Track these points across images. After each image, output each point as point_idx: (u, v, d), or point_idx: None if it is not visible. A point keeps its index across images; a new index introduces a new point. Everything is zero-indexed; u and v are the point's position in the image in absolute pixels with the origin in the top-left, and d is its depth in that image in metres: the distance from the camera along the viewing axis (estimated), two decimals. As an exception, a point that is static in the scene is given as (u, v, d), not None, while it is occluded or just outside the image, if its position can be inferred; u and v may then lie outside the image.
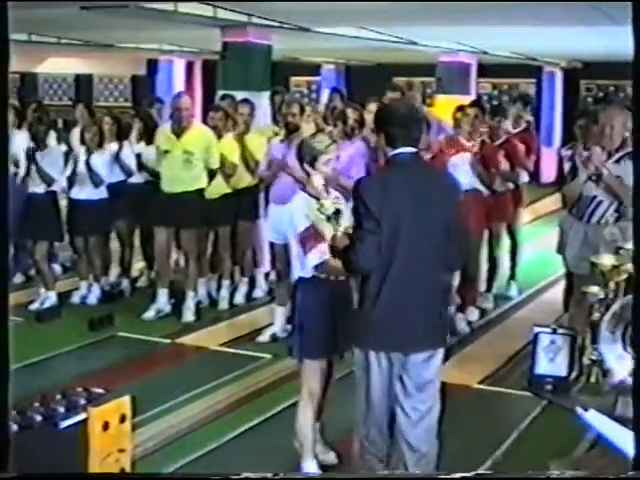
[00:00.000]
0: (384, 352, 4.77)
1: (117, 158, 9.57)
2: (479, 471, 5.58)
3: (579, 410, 3.10)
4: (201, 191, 9.05)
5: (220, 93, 11.19)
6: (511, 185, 9.56)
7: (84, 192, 9.44)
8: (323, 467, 5.65)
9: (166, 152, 9.00)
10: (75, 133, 10.99)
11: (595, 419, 3.04)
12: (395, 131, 4.78)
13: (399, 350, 4.77)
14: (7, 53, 3.02)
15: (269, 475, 2.80)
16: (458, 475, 2.95)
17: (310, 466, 5.58)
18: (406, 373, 4.81)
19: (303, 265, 5.28)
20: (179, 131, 8.95)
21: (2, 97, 3.09)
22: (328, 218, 5.08)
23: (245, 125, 9.48)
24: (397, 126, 4.78)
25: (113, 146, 9.66)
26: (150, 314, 9.18)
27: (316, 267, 5.26)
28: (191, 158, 8.89)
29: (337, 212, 5.08)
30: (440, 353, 4.93)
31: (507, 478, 2.79)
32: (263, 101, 11.28)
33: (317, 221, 5.23)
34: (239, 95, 10.30)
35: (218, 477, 2.70)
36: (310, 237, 5.24)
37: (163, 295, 9.28)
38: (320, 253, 5.19)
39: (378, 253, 4.61)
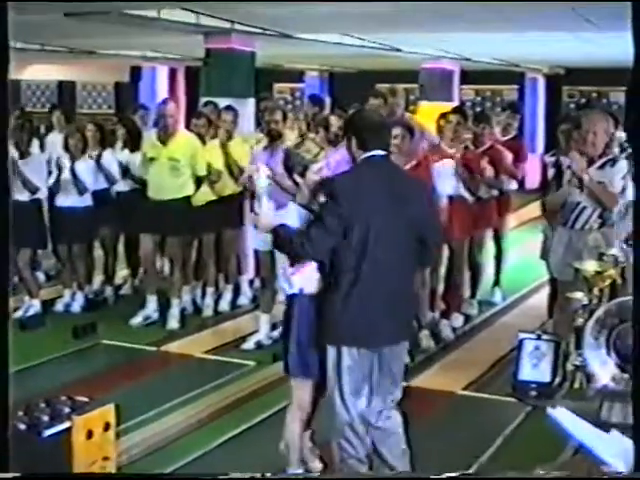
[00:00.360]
0: (357, 347, 4.92)
1: (99, 165, 9.55)
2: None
3: (548, 409, 3.09)
4: (188, 198, 9.03)
5: (203, 100, 11.19)
6: (495, 192, 9.56)
7: (68, 199, 9.41)
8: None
9: (152, 159, 8.97)
10: (52, 139, 10.98)
11: (564, 417, 3.02)
12: (367, 135, 5.00)
13: (372, 345, 4.97)
14: (7, 58, 3.02)
15: (257, 475, 2.80)
16: (457, 474, 2.94)
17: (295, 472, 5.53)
18: (378, 366, 5.01)
19: (291, 285, 5.17)
20: (165, 138, 8.93)
21: (1, 101, 3.08)
22: None
23: (228, 132, 9.46)
24: (369, 130, 5.03)
25: (95, 154, 9.64)
26: (137, 320, 9.16)
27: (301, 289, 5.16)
28: (177, 165, 8.87)
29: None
30: (406, 345, 5.28)
31: (498, 478, 2.79)
32: (247, 108, 11.29)
33: None
34: (222, 102, 10.28)
35: (208, 477, 2.70)
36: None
37: (152, 302, 9.25)
38: (307, 274, 5.12)
39: (329, 245, 4.83)
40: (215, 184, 9.25)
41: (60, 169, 9.39)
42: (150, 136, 9.19)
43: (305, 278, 5.06)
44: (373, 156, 4.98)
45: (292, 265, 5.09)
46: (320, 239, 4.85)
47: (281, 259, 5.28)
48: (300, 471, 5.51)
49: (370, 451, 5.17)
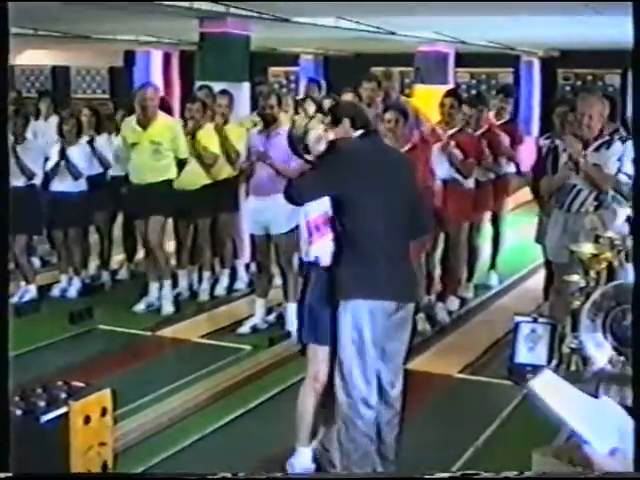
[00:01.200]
0: (376, 300, 5.05)
1: (93, 150, 9.53)
2: (462, 459, 5.61)
3: (529, 385, 3.04)
4: (170, 181, 8.97)
5: (198, 84, 11.16)
6: (492, 175, 9.54)
7: (63, 184, 9.39)
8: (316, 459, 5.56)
9: (134, 145, 8.93)
10: (40, 126, 10.94)
11: (546, 392, 2.96)
12: (359, 116, 5.33)
13: (392, 298, 5.13)
14: (6, 46, 3.00)
15: (242, 475, 2.79)
16: (458, 474, 2.94)
17: (303, 452, 5.40)
18: (386, 335, 5.12)
19: (307, 254, 5.26)
20: (145, 122, 8.88)
21: (1, 90, 3.06)
22: None
23: (224, 116, 9.44)
24: (359, 112, 5.43)
25: (89, 137, 9.63)
26: (140, 307, 9.14)
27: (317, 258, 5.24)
28: (160, 148, 8.82)
29: None
30: (411, 315, 5.41)
31: (498, 478, 2.77)
32: (242, 92, 11.25)
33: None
34: (217, 86, 10.26)
35: (195, 477, 2.69)
36: (319, 225, 5.23)
37: (155, 289, 9.20)
38: (324, 244, 5.21)
39: (310, 197, 5.09)
40: (211, 167, 9.22)
41: (58, 154, 9.36)
42: (129, 121, 9.11)
43: (321, 248, 5.16)
44: (367, 131, 5.28)
45: (310, 236, 5.20)
46: (309, 185, 5.16)
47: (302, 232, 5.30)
48: (308, 451, 5.42)
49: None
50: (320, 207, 5.19)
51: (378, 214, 5.07)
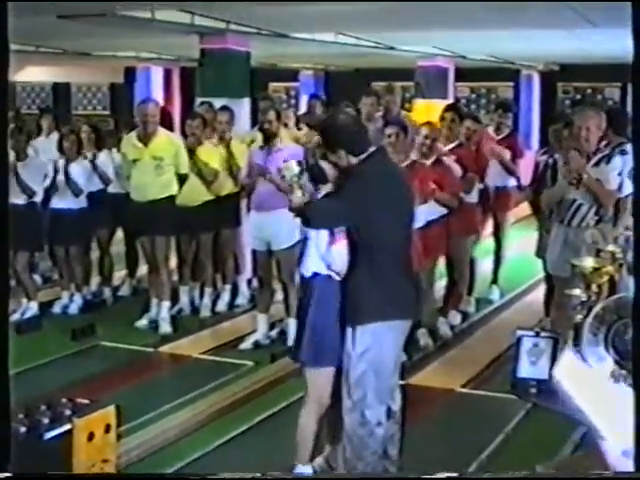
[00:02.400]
0: (397, 320, 5.10)
1: (94, 167, 9.56)
2: (465, 474, 5.60)
3: (554, 372, 3.00)
4: (172, 198, 8.98)
5: (199, 100, 11.18)
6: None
7: (63, 202, 9.40)
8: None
9: (135, 161, 8.91)
10: (41, 143, 10.94)
11: (566, 377, 2.94)
12: (355, 143, 5.18)
13: (409, 316, 5.26)
14: (6, 60, 3.02)
15: (258, 475, 2.81)
16: (457, 475, 2.95)
17: (303, 470, 5.33)
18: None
19: (325, 257, 5.07)
20: (146, 138, 8.87)
21: (1, 97, 3.08)
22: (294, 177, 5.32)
23: (224, 132, 9.45)
24: (354, 139, 5.19)
25: (91, 155, 9.65)
26: (143, 322, 9.13)
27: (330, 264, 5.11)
28: (162, 164, 8.81)
29: (301, 173, 5.33)
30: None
31: (498, 478, 2.79)
32: (242, 108, 11.28)
33: None
34: (218, 102, 10.28)
35: (209, 477, 2.70)
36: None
37: (156, 305, 9.20)
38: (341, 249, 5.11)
39: (334, 224, 4.98)
40: (211, 184, 9.23)
41: (55, 171, 9.37)
42: (130, 137, 9.10)
43: (339, 251, 5.03)
44: (377, 150, 5.28)
45: (332, 235, 5.07)
46: (331, 216, 5.07)
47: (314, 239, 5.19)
48: (308, 470, 5.36)
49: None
50: None
51: (393, 232, 5.11)
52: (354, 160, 5.12)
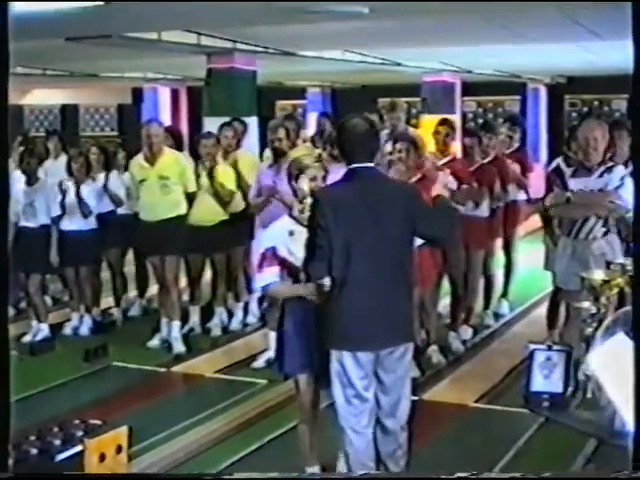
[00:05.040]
0: (353, 351, 5.00)
1: (105, 188, 9.60)
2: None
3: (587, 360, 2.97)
4: (182, 217, 9.00)
5: (206, 119, 11.21)
6: (501, 203, 9.51)
7: (74, 223, 9.42)
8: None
9: (142, 181, 8.94)
10: (49, 165, 10.97)
11: (600, 370, 2.93)
12: (349, 147, 5.09)
13: (368, 348, 5.02)
14: (6, 60, 3.03)
15: (242, 475, 2.81)
16: (455, 476, 2.96)
17: (311, 470, 5.55)
18: (382, 370, 5.09)
19: (253, 282, 5.40)
20: (152, 159, 8.89)
21: (2, 101, 3.08)
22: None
23: (228, 148, 9.48)
24: (350, 142, 5.08)
25: (101, 176, 9.69)
26: (154, 342, 9.14)
27: (263, 288, 5.60)
28: (168, 183, 8.83)
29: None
30: (410, 350, 5.20)
31: (498, 479, 2.79)
32: (250, 126, 11.30)
33: (284, 245, 5.38)
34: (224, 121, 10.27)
35: (209, 477, 2.70)
36: (269, 258, 5.38)
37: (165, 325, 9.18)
38: (270, 275, 5.41)
39: (327, 261, 4.92)
40: (228, 205, 9.23)
41: (64, 193, 9.40)
42: (137, 159, 9.13)
43: (268, 278, 5.42)
44: (358, 168, 5.02)
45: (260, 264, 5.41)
46: (317, 262, 5.00)
47: None
48: (316, 470, 5.53)
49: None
50: (271, 242, 5.40)
51: (362, 255, 4.93)
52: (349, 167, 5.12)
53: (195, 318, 9.64)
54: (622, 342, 3.32)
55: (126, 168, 9.77)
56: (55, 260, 9.27)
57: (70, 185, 9.46)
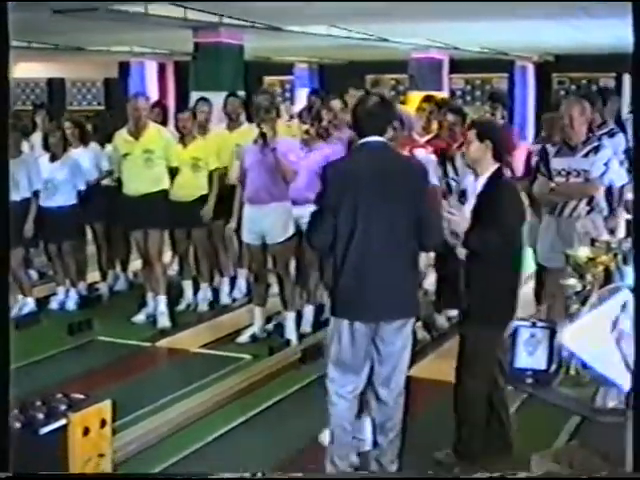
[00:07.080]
0: (352, 320, 5.09)
1: (87, 161, 9.58)
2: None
3: (559, 337, 2.99)
4: (165, 192, 8.98)
5: (193, 94, 11.15)
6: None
7: (52, 200, 9.37)
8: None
9: (126, 155, 8.92)
10: (36, 139, 10.92)
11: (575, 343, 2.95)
12: (361, 122, 5.20)
13: (365, 319, 5.09)
14: (7, 54, 3.02)
15: (258, 475, 2.81)
16: (459, 476, 2.97)
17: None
18: (380, 340, 5.16)
19: None
20: (136, 133, 8.88)
21: (2, 93, 3.08)
22: None
23: (204, 124, 9.48)
24: (362, 117, 5.19)
25: (77, 151, 9.65)
26: (140, 317, 9.14)
27: None
28: (152, 157, 8.82)
29: None
30: (410, 323, 5.29)
31: (498, 478, 2.79)
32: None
33: None
34: (212, 95, 10.23)
35: (209, 477, 2.71)
36: None
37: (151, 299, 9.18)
38: None
39: (330, 233, 5.01)
40: (211, 180, 9.21)
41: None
42: (121, 132, 9.08)
43: None
44: (367, 142, 5.12)
45: None
46: (320, 228, 5.07)
47: None
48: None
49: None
50: None
51: (367, 227, 4.99)
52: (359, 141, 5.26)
53: (189, 294, 9.62)
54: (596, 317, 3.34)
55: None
56: (29, 233, 9.18)
57: (46, 160, 9.41)
